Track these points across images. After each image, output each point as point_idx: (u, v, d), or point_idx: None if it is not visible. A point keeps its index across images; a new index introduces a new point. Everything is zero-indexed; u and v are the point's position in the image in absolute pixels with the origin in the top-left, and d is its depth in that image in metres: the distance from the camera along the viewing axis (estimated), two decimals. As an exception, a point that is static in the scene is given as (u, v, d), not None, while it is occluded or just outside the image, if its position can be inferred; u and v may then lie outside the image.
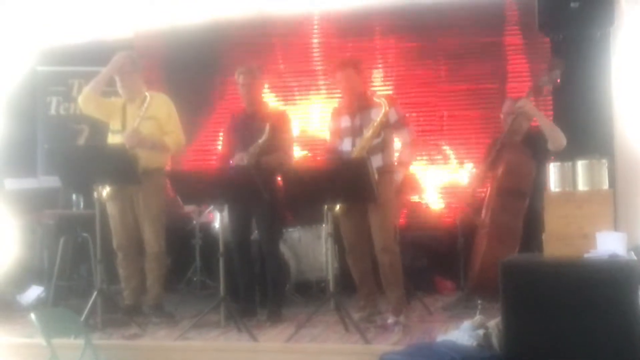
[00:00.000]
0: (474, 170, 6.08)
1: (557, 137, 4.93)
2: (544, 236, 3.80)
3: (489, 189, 5.27)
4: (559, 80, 5.15)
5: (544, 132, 4.95)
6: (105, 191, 5.20)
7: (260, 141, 5.18)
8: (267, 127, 5.17)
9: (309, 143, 7.16)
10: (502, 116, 5.33)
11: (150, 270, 5.43)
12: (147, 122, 5.33)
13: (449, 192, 6.95)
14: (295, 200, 5.05)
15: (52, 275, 6.00)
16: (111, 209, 5.38)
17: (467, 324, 3.97)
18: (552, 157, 5.09)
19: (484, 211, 5.17)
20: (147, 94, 5.42)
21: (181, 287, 6.72)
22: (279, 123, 5.39)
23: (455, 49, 6.95)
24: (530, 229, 4.73)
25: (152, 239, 5.37)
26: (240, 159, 5.20)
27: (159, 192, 5.44)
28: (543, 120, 5.07)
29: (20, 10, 6.83)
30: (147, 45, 7.33)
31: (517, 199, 4.86)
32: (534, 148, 4.99)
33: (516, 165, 4.92)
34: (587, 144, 5.47)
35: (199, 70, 7.42)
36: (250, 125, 5.37)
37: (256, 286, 5.57)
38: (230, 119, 5.79)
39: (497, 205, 4.91)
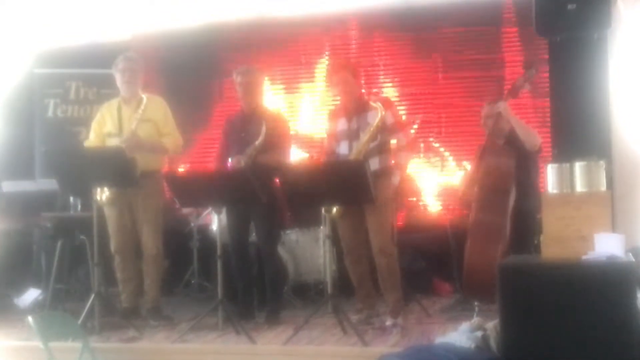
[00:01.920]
0: (463, 173, 6.10)
1: (531, 140, 5.06)
2: (542, 238, 3.80)
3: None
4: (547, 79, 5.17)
5: (518, 135, 5.00)
6: (105, 195, 5.21)
7: (257, 143, 5.17)
8: (264, 128, 5.16)
9: (306, 144, 7.15)
10: (482, 121, 5.35)
11: (148, 273, 5.42)
12: (144, 124, 5.33)
13: (447, 194, 6.94)
14: (292, 202, 5.04)
15: (50, 278, 5.97)
16: (109, 212, 5.37)
17: (465, 326, 3.95)
18: (539, 155, 5.15)
19: (472, 212, 5.18)
20: (143, 96, 5.41)
21: (179, 290, 6.71)
22: (276, 123, 5.38)
23: (453, 51, 6.96)
24: (522, 230, 4.74)
25: (150, 242, 5.36)
26: (237, 162, 5.20)
27: (157, 195, 5.44)
28: (517, 123, 5.11)
29: (18, 13, 6.82)
30: (145, 47, 7.32)
31: (497, 195, 4.87)
32: (518, 147, 5.01)
33: (494, 165, 4.95)
34: (584, 145, 5.50)
35: (197, 72, 7.42)
36: (247, 126, 5.36)
37: (254, 288, 5.56)
38: (227, 120, 5.79)
39: (478, 204, 4.93)
